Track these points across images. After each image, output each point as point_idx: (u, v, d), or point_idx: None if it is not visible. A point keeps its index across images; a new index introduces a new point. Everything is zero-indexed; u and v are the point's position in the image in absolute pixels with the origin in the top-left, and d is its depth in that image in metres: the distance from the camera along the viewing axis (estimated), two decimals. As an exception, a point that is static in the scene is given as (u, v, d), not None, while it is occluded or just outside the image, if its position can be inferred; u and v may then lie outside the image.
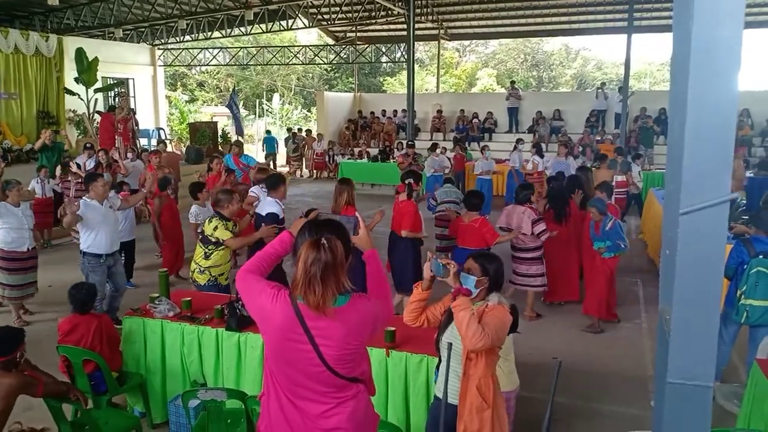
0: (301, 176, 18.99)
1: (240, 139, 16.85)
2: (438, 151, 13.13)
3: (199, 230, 6.00)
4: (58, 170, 9.76)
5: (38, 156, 10.60)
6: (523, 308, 6.28)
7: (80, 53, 14.92)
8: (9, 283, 6.15)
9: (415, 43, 17.43)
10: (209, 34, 21.59)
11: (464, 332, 2.70)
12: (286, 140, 19.40)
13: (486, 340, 2.68)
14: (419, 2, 18.99)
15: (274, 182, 5.84)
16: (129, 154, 10.57)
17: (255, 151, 21.75)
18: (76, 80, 15.11)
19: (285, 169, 18.05)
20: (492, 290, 2.97)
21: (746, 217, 6.47)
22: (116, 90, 17.03)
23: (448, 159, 13.50)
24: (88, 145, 11.07)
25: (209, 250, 5.02)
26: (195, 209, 6.63)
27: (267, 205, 5.74)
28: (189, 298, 4.37)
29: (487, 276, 2.95)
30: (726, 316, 4.62)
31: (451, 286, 2.91)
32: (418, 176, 6.53)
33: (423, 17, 20.53)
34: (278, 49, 25.26)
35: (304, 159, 19.39)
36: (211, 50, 25.41)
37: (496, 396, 2.86)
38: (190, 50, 23.79)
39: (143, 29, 20.19)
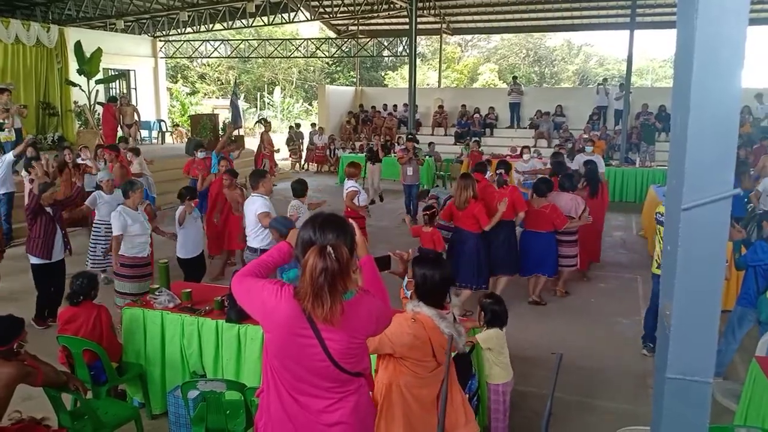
0: (302, 169, 18.90)
1: (236, 132, 16.29)
2: (528, 156, 11.44)
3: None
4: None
5: None
6: (557, 285, 7.01)
7: (78, 47, 14.86)
8: (126, 292, 5.55)
9: (417, 37, 17.37)
10: (211, 26, 21.51)
11: None
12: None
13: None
14: (422, -4, 18.95)
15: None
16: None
17: (254, 144, 21.63)
18: (78, 71, 15.08)
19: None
20: (418, 296, 2.81)
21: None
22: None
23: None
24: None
25: None
26: (296, 203, 6.48)
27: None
28: (189, 290, 4.38)
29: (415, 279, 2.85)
30: (743, 316, 4.57)
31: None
32: (509, 166, 7.48)
33: (425, 11, 20.47)
34: (280, 41, 25.18)
35: (300, 152, 19.32)
36: (212, 42, 25.30)
37: (391, 407, 2.70)
38: (192, 42, 23.70)
39: (144, 21, 20.11)
